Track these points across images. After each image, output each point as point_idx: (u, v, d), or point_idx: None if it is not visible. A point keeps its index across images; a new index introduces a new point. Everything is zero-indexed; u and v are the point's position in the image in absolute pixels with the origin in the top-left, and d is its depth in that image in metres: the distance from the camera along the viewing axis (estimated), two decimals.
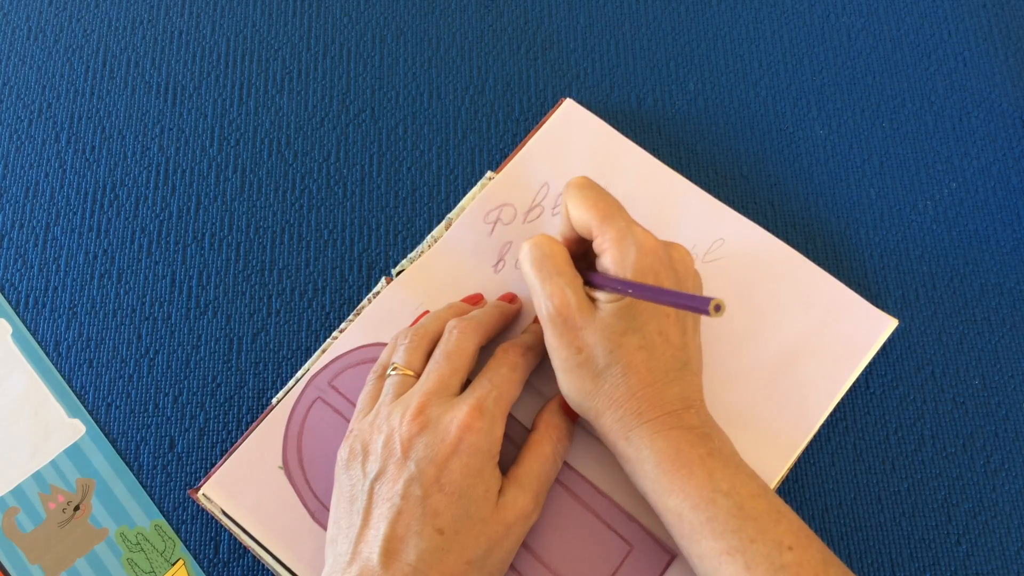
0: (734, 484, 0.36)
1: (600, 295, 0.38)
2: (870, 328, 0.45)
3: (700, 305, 0.31)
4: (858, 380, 0.46)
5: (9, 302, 0.48)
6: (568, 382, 0.39)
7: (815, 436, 0.44)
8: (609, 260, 0.38)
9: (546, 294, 0.39)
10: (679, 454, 0.37)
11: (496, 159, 0.50)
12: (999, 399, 0.46)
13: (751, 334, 0.45)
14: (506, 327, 0.44)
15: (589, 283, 0.39)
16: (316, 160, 0.51)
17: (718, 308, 0.31)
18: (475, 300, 0.45)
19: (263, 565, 0.43)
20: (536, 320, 0.44)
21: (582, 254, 0.42)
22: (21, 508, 0.44)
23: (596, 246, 0.39)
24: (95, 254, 0.49)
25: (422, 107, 0.52)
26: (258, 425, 0.44)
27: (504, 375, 0.40)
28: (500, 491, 0.38)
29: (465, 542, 0.36)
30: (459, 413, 0.38)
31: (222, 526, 0.44)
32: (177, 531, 0.44)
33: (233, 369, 0.47)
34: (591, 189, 0.40)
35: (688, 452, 0.37)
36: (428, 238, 0.48)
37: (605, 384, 0.38)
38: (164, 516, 0.44)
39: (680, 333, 0.39)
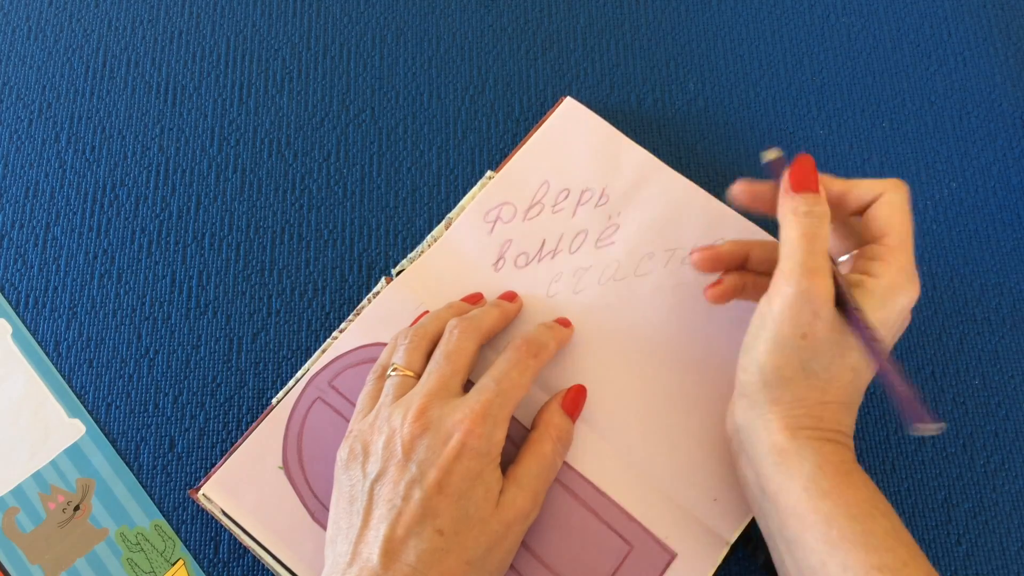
0: (890, 510, 0.36)
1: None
2: None
3: (914, 416, 0.34)
4: None
5: (9, 302, 0.48)
6: (771, 353, 0.37)
7: None
8: (885, 284, 0.37)
9: (807, 268, 0.36)
10: (843, 464, 0.37)
11: (496, 159, 0.50)
12: (999, 399, 0.46)
13: None
14: (506, 326, 0.44)
15: (840, 303, 0.37)
16: (316, 160, 0.51)
17: (919, 430, 0.34)
18: (475, 300, 0.45)
19: (263, 565, 0.43)
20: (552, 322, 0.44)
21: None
22: (21, 508, 0.44)
23: (874, 252, 0.38)
24: (95, 254, 0.49)
25: (422, 107, 0.52)
26: (258, 425, 0.44)
27: (513, 378, 0.40)
28: (500, 491, 0.38)
29: (465, 542, 0.36)
30: (461, 416, 0.38)
31: (222, 526, 0.44)
32: (177, 531, 0.44)
33: (233, 369, 0.47)
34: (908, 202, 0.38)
35: (851, 466, 0.37)
36: (428, 238, 0.48)
37: (805, 380, 0.37)
38: (164, 516, 0.44)
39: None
